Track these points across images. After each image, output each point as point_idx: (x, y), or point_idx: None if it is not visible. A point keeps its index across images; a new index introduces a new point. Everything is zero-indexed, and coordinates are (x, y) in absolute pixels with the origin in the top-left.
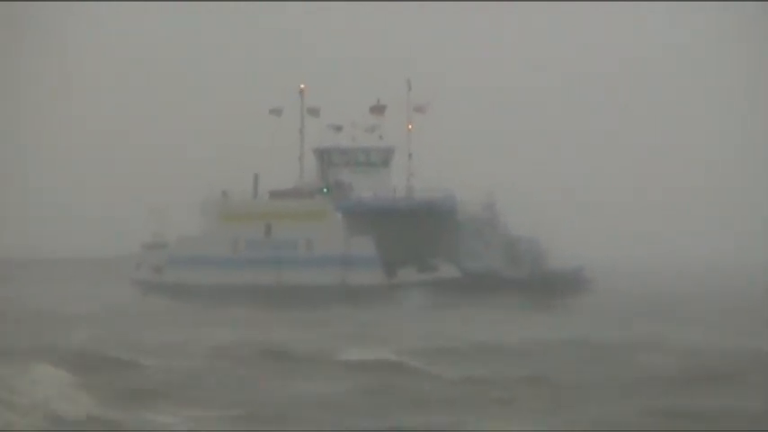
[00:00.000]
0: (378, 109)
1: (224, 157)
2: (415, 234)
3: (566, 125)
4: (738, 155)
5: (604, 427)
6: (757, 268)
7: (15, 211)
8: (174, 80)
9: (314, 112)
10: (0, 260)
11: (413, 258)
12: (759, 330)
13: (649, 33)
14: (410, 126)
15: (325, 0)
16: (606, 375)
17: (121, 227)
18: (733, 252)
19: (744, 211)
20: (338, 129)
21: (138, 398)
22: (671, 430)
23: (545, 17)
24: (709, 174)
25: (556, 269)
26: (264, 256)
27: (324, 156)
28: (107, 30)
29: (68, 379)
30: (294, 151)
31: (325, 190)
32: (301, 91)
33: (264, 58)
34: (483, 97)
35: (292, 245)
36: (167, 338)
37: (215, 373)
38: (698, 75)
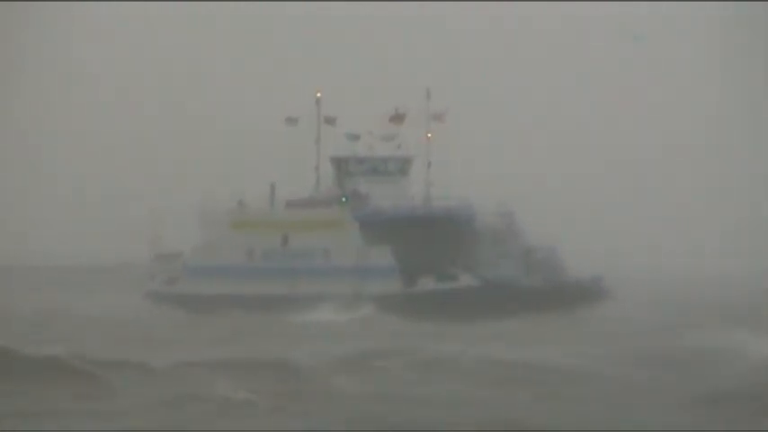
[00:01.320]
0: (397, 118)
1: (238, 165)
2: (433, 243)
3: (584, 126)
4: (754, 155)
5: None
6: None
7: (15, 215)
8: (187, 86)
9: (330, 120)
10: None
11: (431, 268)
12: None
13: (663, 32)
14: (429, 135)
15: (332, 0)
16: None
17: (128, 234)
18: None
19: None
20: (356, 138)
21: None
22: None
23: (562, 18)
24: (723, 175)
25: (574, 278)
26: (281, 266)
27: (341, 165)
28: (113, 32)
29: None
30: (310, 160)
31: (343, 199)
32: (317, 99)
33: (280, 64)
34: (501, 100)
35: (309, 255)
36: None
37: None
38: (707, 76)
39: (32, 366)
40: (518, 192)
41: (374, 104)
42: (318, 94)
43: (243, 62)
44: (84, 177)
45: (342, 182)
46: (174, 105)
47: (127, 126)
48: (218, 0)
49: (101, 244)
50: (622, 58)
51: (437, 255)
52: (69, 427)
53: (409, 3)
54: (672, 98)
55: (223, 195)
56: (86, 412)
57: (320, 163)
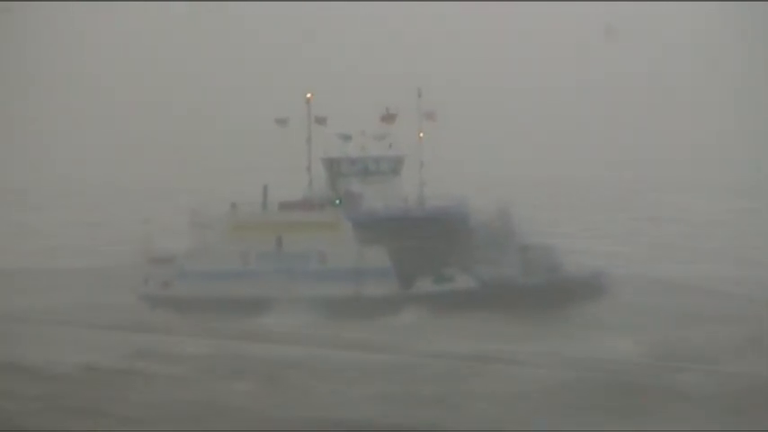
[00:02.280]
0: (388, 118)
1: (230, 166)
2: (428, 243)
3: (583, 126)
4: (754, 154)
5: None
6: None
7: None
8: (180, 87)
9: (321, 120)
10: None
11: (427, 268)
12: None
13: (665, 32)
14: (421, 134)
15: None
16: None
17: (122, 236)
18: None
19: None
20: (347, 138)
21: None
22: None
23: (555, 18)
24: (723, 173)
25: (572, 275)
26: (276, 269)
27: (333, 166)
28: (113, 32)
29: None
30: (301, 161)
31: (337, 201)
32: (308, 100)
33: (272, 64)
34: (495, 99)
35: (305, 257)
36: None
37: None
38: (707, 75)
39: None
40: (512, 190)
41: (366, 104)
42: (308, 95)
43: (239, 62)
44: (85, 178)
45: (334, 183)
46: (173, 105)
47: (127, 125)
48: (218, 0)
49: (99, 246)
50: (622, 58)
51: (433, 255)
52: None
53: (409, 3)
54: (672, 98)
55: (216, 197)
56: None
57: (312, 163)
